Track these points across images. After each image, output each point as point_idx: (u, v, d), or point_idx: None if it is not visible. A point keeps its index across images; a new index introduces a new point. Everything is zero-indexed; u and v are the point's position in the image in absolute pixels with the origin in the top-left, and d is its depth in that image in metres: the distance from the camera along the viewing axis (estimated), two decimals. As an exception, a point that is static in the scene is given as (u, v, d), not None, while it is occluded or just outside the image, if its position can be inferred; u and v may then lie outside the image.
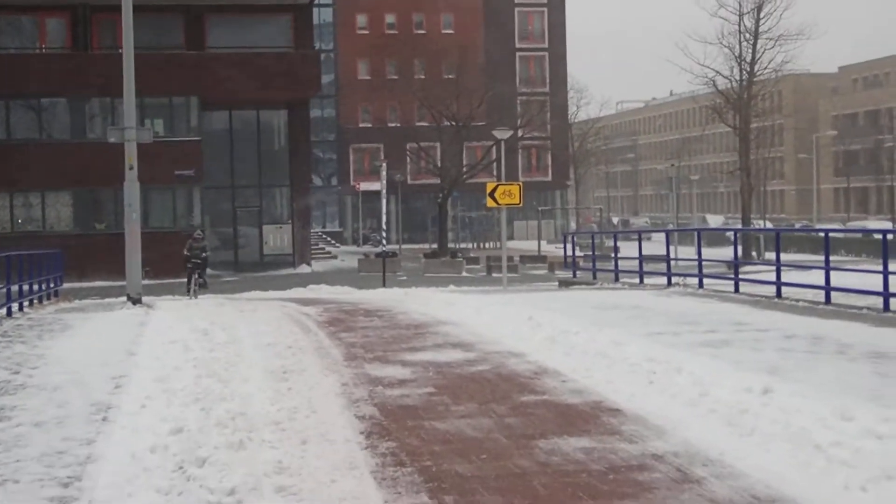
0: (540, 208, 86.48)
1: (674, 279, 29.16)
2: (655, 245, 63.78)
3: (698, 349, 14.93)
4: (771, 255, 60.18)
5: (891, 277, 20.42)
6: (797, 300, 22.44)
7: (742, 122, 60.89)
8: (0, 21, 52.95)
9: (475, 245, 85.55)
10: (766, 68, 61.42)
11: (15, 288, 24.43)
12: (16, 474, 8.88)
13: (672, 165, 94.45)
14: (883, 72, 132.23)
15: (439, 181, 73.96)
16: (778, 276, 23.86)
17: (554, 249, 77.03)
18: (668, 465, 9.02)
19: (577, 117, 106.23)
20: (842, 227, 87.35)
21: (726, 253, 61.12)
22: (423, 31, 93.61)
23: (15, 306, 24.18)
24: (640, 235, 34.71)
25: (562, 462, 9.21)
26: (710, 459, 9.18)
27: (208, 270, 50.82)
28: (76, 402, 11.96)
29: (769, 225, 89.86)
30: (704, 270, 28.31)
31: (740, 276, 26.59)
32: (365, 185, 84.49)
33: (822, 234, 27.22)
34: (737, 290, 25.38)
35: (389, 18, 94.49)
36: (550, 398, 12.04)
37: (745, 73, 60.43)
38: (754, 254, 62.26)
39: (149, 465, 9.07)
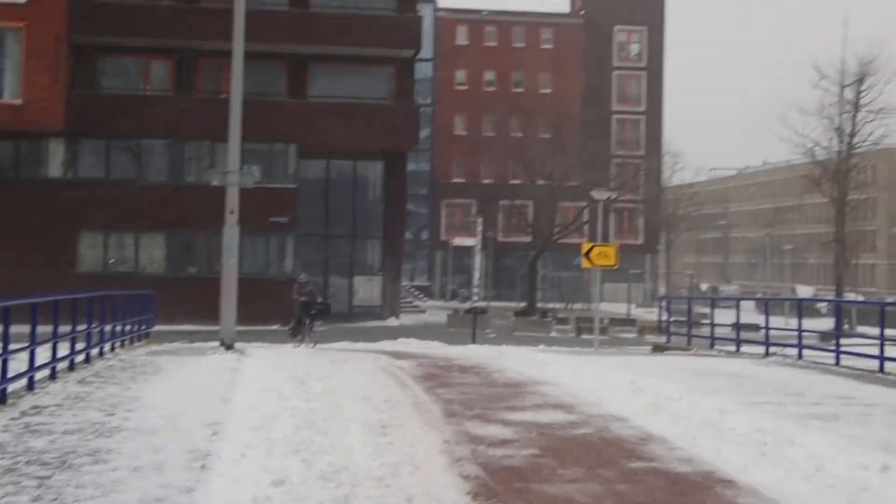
0: (631, 271, 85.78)
1: (771, 349, 28.56)
2: (745, 313, 62.80)
3: (807, 422, 14.48)
4: (862, 329, 59.42)
5: None
6: (904, 376, 21.84)
7: (840, 193, 59.99)
8: (106, 63, 53.52)
9: (564, 305, 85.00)
10: (864, 141, 60.52)
11: (108, 328, 24.39)
12: (115, 520, 8.67)
13: (767, 234, 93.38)
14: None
15: (530, 239, 73.68)
16: (881, 350, 23.25)
17: (643, 313, 76.36)
18: (791, 545, 8.61)
19: (672, 182, 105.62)
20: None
21: (816, 324, 60.27)
22: (520, 90, 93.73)
23: (107, 346, 24.13)
24: (738, 303, 34.11)
25: (678, 535, 8.84)
26: (834, 540, 8.77)
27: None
28: (173, 448, 11.72)
29: (860, 298, 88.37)
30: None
31: (840, 349, 25.85)
32: (458, 241, 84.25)
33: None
34: (837, 363, 24.76)
35: (488, 76, 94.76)
36: (659, 466, 11.66)
37: (844, 144, 59.57)
38: (846, 326, 61.16)
39: (251, 518, 8.82)
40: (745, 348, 30.93)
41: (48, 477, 10.17)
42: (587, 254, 37.30)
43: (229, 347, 26.10)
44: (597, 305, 38.94)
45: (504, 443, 12.92)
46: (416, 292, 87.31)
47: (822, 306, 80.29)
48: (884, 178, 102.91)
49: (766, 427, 13.22)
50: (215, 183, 27.69)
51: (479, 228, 46.04)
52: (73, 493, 9.53)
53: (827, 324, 65.41)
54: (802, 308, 30.58)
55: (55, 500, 9.25)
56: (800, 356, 26.68)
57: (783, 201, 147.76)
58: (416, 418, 14.72)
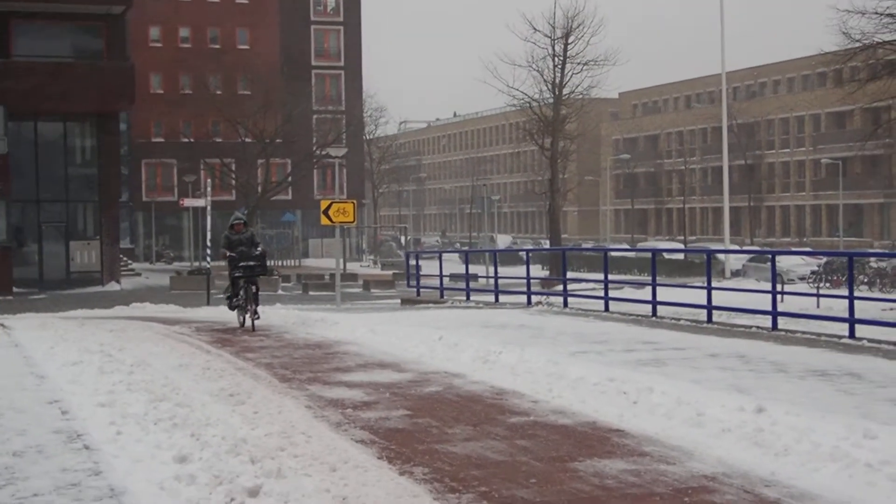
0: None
1: (534, 297, 29.23)
2: (453, 265, 64.08)
3: (641, 368, 14.91)
4: (571, 275, 61.61)
5: (770, 296, 20.89)
6: (678, 319, 22.69)
7: (553, 144, 61.62)
8: None
9: (275, 262, 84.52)
10: (573, 92, 62.32)
11: None
12: (55, 511, 8.14)
13: (484, 185, 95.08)
14: (661, 98, 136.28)
15: (234, 198, 72.83)
16: (654, 296, 24.09)
17: (359, 268, 76.90)
18: (731, 487, 8.80)
19: (376, 135, 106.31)
20: (629, 246, 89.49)
21: (523, 272, 62.00)
22: (217, 46, 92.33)
23: None
24: (496, 255, 34.76)
25: (620, 485, 8.90)
26: (767, 480, 9.00)
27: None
28: (36, 431, 11.04)
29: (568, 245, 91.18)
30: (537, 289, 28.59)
31: (607, 295, 26.70)
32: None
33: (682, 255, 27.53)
34: (607, 309, 25.55)
35: (183, 32, 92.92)
36: (538, 419, 11.73)
37: (554, 96, 61.10)
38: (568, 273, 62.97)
39: (191, 498, 8.40)
40: (503, 298, 31.60)
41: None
42: (326, 211, 37.18)
43: (-11, 321, 24.94)
44: (338, 262, 38.82)
45: (367, 405, 12.78)
46: (121, 256, 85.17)
47: (522, 255, 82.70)
48: (575, 128, 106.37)
49: (615, 376, 13.50)
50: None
51: (209, 189, 45.10)
52: (-30, 484, 8.85)
53: (535, 271, 67.55)
54: (499, 257, 31.38)
55: (-44, 496, 8.59)
56: (565, 304, 27.37)
57: (474, 152, 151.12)
58: (255, 385, 14.39)
